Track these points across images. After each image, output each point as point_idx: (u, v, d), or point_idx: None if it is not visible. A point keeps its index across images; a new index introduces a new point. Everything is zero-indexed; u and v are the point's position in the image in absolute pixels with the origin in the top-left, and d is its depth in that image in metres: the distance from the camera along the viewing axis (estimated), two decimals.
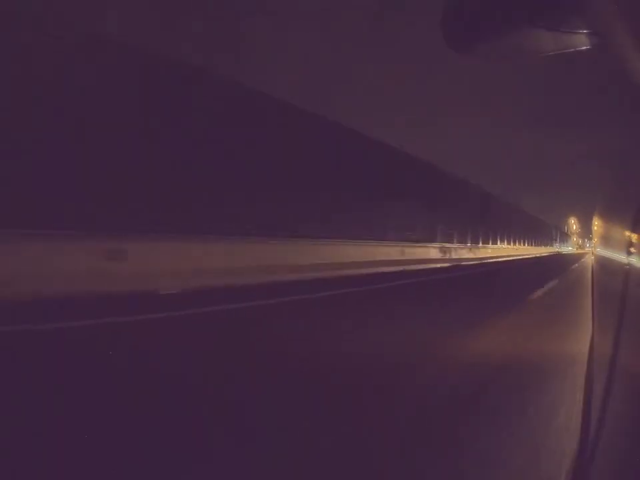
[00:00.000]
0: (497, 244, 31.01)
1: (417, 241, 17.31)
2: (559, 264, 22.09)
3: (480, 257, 24.88)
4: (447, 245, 20.85)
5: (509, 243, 34.75)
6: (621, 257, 0.86)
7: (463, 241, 23.71)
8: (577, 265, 19.80)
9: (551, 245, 44.98)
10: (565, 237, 50.55)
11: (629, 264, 0.64)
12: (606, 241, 1.37)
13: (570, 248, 44.82)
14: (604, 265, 1.35)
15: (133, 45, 7.84)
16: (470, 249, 24.58)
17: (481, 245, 27.27)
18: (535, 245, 40.51)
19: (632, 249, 0.66)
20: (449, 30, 0.73)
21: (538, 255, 37.28)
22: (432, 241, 19.30)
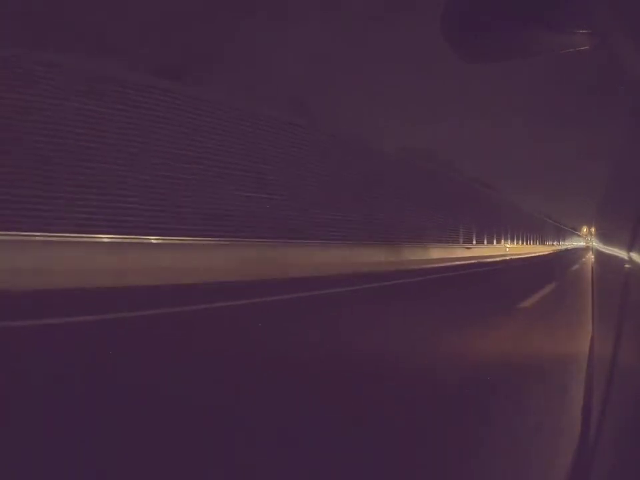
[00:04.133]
0: (553, 243, 62.82)
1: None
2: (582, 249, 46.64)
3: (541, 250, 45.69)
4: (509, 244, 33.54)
5: (562, 241, 73.80)
6: (613, 249, 0.88)
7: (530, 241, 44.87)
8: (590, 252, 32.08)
9: (574, 241, 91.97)
10: (579, 237, 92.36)
11: (629, 259, 0.64)
12: (604, 237, 1.40)
13: (583, 243, 77.36)
14: (599, 254, 1.55)
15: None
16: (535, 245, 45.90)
17: (542, 243, 51.92)
18: (566, 241, 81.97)
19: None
20: (449, 30, 0.73)
21: (569, 247, 70.81)
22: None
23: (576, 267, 16.49)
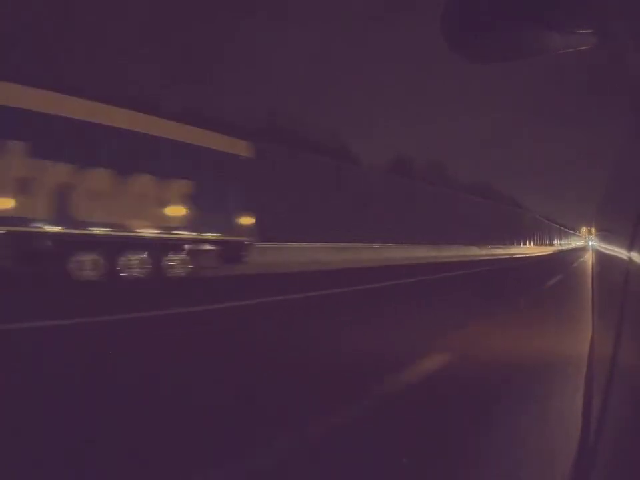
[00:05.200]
0: (563, 239, 79.26)
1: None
2: (581, 249, 51.03)
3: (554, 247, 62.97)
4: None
5: (564, 241, 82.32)
6: (613, 249, 0.89)
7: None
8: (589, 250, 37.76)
9: (575, 240, 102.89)
10: (579, 237, 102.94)
11: (629, 258, 0.64)
12: (604, 237, 1.42)
13: (582, 243, 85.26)
14: (599, 254, 1.67)
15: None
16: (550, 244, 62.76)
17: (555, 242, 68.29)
18: (567, 240, 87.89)
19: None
20: (449, 30, 0.73)
21: (574, 246, 78.40)
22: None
23: (575, 264, 21.41)
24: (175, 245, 10.60)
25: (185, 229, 10.60)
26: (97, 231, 9.10)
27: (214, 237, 11.32)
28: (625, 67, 0.56)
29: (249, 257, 11.92)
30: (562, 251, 58.38)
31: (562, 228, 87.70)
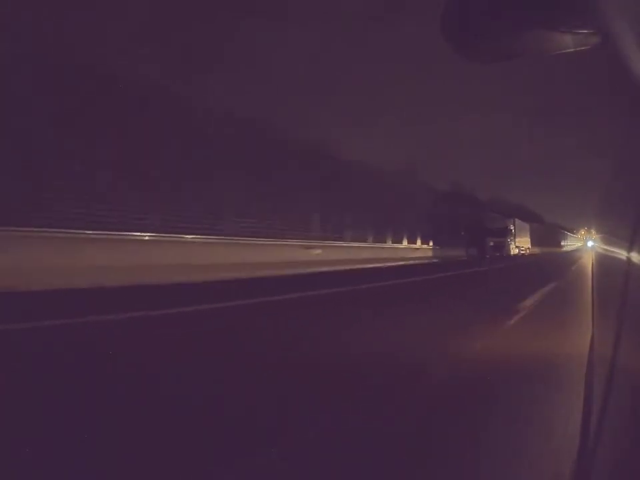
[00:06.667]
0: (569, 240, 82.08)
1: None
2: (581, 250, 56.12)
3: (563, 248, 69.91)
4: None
5: (564, 242, 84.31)
6: (612, 249, 0.88)
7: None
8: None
9: (575, 241, 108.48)
10: (578, 239, 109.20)
11: (629, 258, 0.64)
12: (603, 239, 1.43)
13: (580, 244, 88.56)
14: (598, 255, 1.66)
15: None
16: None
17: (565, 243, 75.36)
18: (571, 241, 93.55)
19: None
20: (449, 30, 0.73)
21: (576, 247, 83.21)
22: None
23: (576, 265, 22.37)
24: (525, 248, 35.46)
25: (526, 243, 36.17)
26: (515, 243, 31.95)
27: (525, 245, 35.46)
28: (624, 67, 0.56)
29: (530, 250, 36.94)
30: (571, 250, 67.47)
31: (565, 231, 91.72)
